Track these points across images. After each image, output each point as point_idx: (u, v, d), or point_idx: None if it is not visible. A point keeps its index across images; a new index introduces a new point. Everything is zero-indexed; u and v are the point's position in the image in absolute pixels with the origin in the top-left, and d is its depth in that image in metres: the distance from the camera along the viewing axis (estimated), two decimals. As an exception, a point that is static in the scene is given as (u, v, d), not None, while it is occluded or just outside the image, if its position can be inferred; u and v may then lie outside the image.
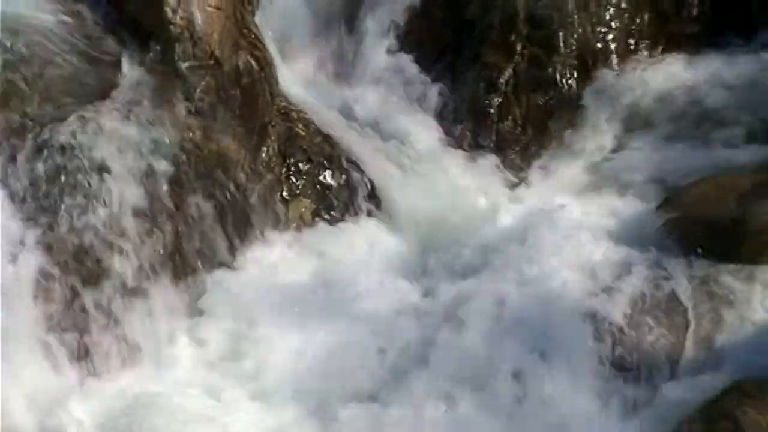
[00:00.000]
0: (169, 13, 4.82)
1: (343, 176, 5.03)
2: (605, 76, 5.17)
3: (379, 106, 5.29)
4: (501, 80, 5.19)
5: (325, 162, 5.03)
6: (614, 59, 5.22)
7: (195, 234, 4.70)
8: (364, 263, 4.80)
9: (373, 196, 5.01)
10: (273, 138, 5.00)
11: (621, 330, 4.20)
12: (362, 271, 4.75)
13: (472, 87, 5.24)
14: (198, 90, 4.84)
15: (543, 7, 5.20)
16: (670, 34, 5.29)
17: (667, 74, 5.15)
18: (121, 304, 4.46)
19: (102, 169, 4.53)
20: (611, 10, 5.23)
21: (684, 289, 4.29)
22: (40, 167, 4.48)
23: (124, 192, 4.54)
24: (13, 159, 4.49)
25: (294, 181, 4.99)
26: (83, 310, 4.41)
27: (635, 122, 5.09)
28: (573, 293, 4.35)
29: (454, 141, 5.19)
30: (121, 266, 4.48)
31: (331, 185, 5.01)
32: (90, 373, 4.39)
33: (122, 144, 4.59)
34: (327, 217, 4.98)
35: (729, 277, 4.26)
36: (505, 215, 4.89)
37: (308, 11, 5.46)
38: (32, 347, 4.29)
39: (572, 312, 4.28)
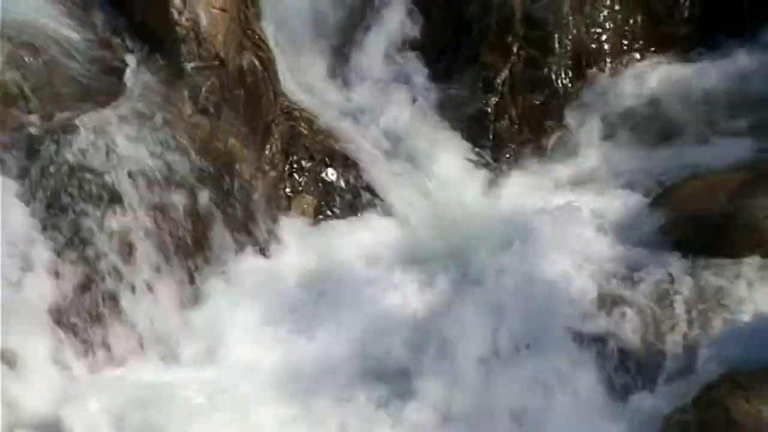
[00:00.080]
0: (175, 15, 4.84)
1: (345, 173, 5.04)
2: (599, 76, 5.20)
3: (379, 106, 5.30)
4: (498, 80, 5.21)
5: (327, 160, 5.05)
6: (608, 60, 5.24)
7: (200, 229, 4.71)
8: (365, 258, 4.80)
9: (374, 192, 5.03)
10: (276, 136, 5.02)
11: (614, 320, 4.22)
12: (363, 265, 4.76)
13: (470, 87, 5.26)
14: (203, 90, 4.85)
15: (539, 9, 5.22)
16: (662, 35, 5.31)
17: (659, 74, 5.17)
18: (130, 297, 4.47)
19: (111, 166, 4.54)
20: (605, 12, 5.25)
21: (676, 283, 4.30)
22: (51, 165, 4.50)
23: (133, 188, 4.56)
24: (24, 158, 4.52)
25: (297, 178, 5.02)
26: (93, 303, 4.42)
27: (629, 121, 5.11)
28: (567, 287, 4.36)
29: (453, 139, 5.19)
30: (130, 260, 4.50)
31: (333, 182, 5.03)
32: (99, 364, 4.41)
33: (130, 142, 4.61)
34: (329, 213, 5.00)
35: (719, 271, 4.27)
36: (501, 211, 4.88)
37: (311, 13, 5.46)
38: (42, 339, 4.31)
39: (567, 305, 4.30)
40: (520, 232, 4.64)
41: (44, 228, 4.44)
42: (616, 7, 5.25)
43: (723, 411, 3.77)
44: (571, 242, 4.57)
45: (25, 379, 4.22)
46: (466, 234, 4.84)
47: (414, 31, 5.46)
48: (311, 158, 5.04)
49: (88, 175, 4.53)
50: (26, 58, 4.65)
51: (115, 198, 4.53)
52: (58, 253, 4.42)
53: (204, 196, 4.74)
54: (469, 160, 5.16)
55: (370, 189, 5.04)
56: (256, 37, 5.08)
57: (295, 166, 5.02)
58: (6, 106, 4.54)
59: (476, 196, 5.02)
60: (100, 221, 4.49)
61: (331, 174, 5.04)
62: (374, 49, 5.45)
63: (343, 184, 5.04)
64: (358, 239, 4.92)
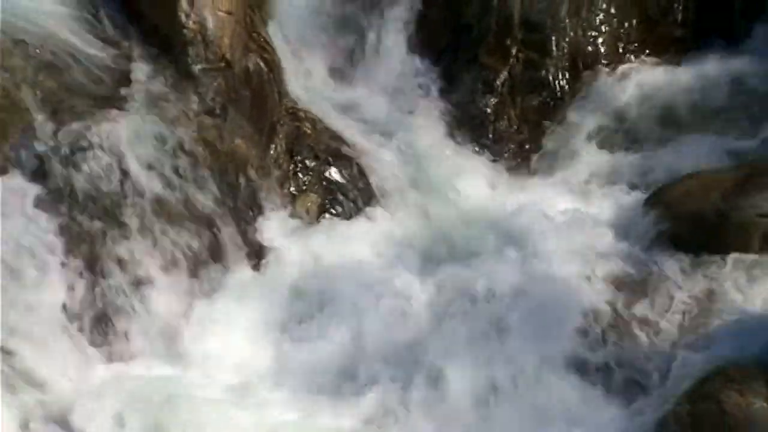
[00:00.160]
0: (183, 18, 4.82)
1: (348, 172, 5.04)
2: (596, 77, 5.22)
3: (382, 106, 5.32)
4: (497, 81, 5.24)
5: (330, 159, 5.05)
6: (604, 62, 5.27)
7: (208, 226, 4.72)
8: (368, 254, 4.82)
9: (377, 191, 5.03)
10: (281, 136, 5.02)
11: (611, 317, 4.25)
12: (366, 261, 4.78)
13: (470, 88, 5.28)
14: (210, 91, 4.86)
15: (537, 13, 5.24)
16: (657, 38, 5.33)
17: (654, 75, 5.20)
18: (140, 293, 4.48)
19: (122, 164, 4.56)
20: (601, 16, 5.27)
21: (671, 280, 4.33)
22: (64, 163, 4.51)
23: (143, 187, 4.58)
24: (36, 163, 4.51)
25: (301, 177, 5.02)
26: (105, 299, 4.43)
27: (624, 122, 5.14)
28: (565, 283, 4.40)
29: (454, 139, 5.21)
30: (139, 257, 4.51)
31: (337, 181, 5.03)
32: (111, 359, 4.41)
33: (139, 143, 4.62)
34: (333, 211, 5.00)
35: (713, 268, 4.30)
36: (501, 209, 4.89)
37: (315, 17, 5.47)
38: (56, 333, 4.32)
39: (565, 300, 4.33)
40: (519, 228, 4.70)
41: (57, 230, 4.44)
42: (612, 11, 5.28)
43: (716, 404, 3.81)
44: (567, 241, 4.60)
45: (38, 375, 4.22)
46: (465, 230, 4.85)
47: (415, 34, 5.48)
48: (315, 158, 5.04)
49: (97, 177, 4.54)
50: (36, 62, 4.65)
51: (123, 198, 4.55)
52: (71, 254, 4.42)
53: (211, 194, 4.75)
54: (470, 159, 5.17)
55: (372, 188, 5.05)
56: (262, 39, 5.08)
57: (299, 165, 5.03)
58: (17, 110, 4.55)
59: (476, 196, 5.03)
60: (110, 221, 4.51)
61: (334, 173, 5.04)
62: (376, 51, 5.48)
63: (346, 183, 5.04)
64: (360, 238, 4.92)
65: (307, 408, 4.24)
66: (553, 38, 5.23)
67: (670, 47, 5.31)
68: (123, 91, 4.78)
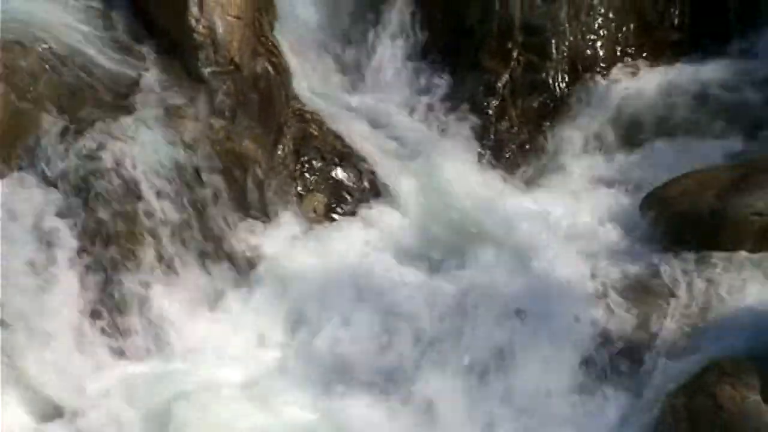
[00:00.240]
0: (193, 23, 4.84)
1: (354, 173, 5.05)
2: (594, 80, 5.21)
3: (385, 108, 5.31)
4: (499, 84, 5.23)
5: (336, 159, 5.05)
6: (603, 65, 5.26)
7: (217, 226, 4.74)
8: (374, 253, 4.82)
9: (382, 191, 5.04)
10: (288, 138, 5.03)
11: (610, 313, 4.27)
12: (372, 260, 4.78)
13: (472, 90, 5.28)
14: (219, 93, 4.86)
15: (537, 17, 5.23)
16: (654, 42, 5.33)
17: (651, 78, 5.20)
18: (149, 290, 4.51)
19: (133, 164, 4.59)
20: (600, 20, 5.27)
21: (667, 276, 4.34)
22: (76, 159, 4.54)
23: (154, 186, 4.61)
24: (52, 153, 4.55)
25: (308, 177, 5.03)
26: (114, 295, 4.46)
27: (622, 123, 5.13)
28: (565, 280, 4.41)
29: (456, 139, 5.21)
30: (150, 254, 4.55)
31: (343, 181, 5.04)
32: (120, 354, 4.44)
33: (150, 144, 4.65)
34: (339, 210, 5.00)
35: (709, 265, 4.31)
36: (502, 208, 4.89)
37: (321, 21, 5.48)
38: (66, 331, 4.35)
39: (564, 297, 4.35)
40: (521, 226, 4.71)
41: (69, 225, 4.47)
42: (611, 15, 5.28)
43: (711, 397, 3.83)
44: (566, 240, 4.63)
45: (47, 373, 4.27)
46: (468, 229, 4.85)
47: (418, 37, 5.47)
48: (322, 158, 5.05)
49: (109, 176, 4.57)
50: (49, 64, 4.67)
51: (135, 198, 4.58)
52: (83, 250, 4.46)
53: (220, 194, 4.77)
54: (472, 158, 5.17)
55: (377, 188, 5.05)
56: (270, 43, 5.09)
57: (306, 165, 5.04)
58: (32, 113, 4.58)
59: (478, 195, 5.01)
60: (121, 220, 4.54)
61: (340, 173, 5.05)
62: (381, 55, 5.47)
63: (352, 183, 5.05)
64: (366, 234, 4.93)
65: (316, 404, 4.26)
66: (553, 42, 5.23)
67: (667, 51, 5.32)
68: (134, 93, 4.80)
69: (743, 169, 4.59)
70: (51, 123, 4.57)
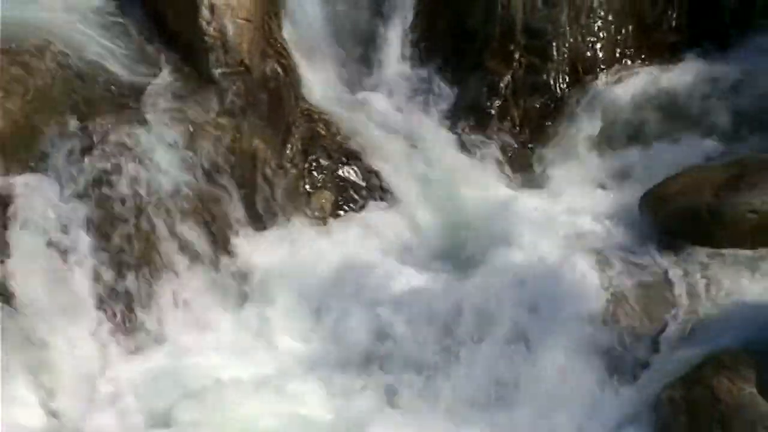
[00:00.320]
0: (204, 25, 4.88)
1: (360, 171, 5.07)
2: (594, 81, 5.21)
3: (392, 108, 5.33)
4: (501, 85, 5.24)
5: (344, 158, 5.08)
6: (602, 66, 5.26)
7: (227, 222, 4.78)
8: (380, 250, 4.85)
9: (387, 189, 5.06)
10: (297, 137, 5.05)
11: (610, 307, 4.28)
12: (378, 256, 4.81)
13: (475, 91, 5.29)
14: (230, 94, 4.90)
15: (539, 20, 5.24)
16: (652, 44, 5.33)
17: (649, 79, 5.19)
18: (167, 285, 4.57)
19: (148, 162, 4.63)
20: (599, 23, 5.27)
21: (666, 272, 4.35)
22: (92, 162, 4.58)
23: (167, 184, 4.65)
24: (68, 153, 4.58)
25: (315, 175, 5.05)
26: (133, 291, 4.51)
27: (621, 123, 5.14)
28: (566, 275, 4.41)
29: (459, 139, 5.23)
30: (161, 252, 4.59)
31: (350, 179, 5.06)
32: (130, 351, 4.48)
33: (164, 142, 4.69)
34: (346, 207, 5.03)
35: (706, 260, 4.33)
36: (505, 207, 4.89)
37: (328, 24, 5.47)
38: (86, 323, 4.40)
39: (565, 292, 4.36)
40: (524, 223, 4.72)
41: (86, 221, 4.51)
42: (610, 18, 5.28)
43: (708, 389, 3.84)
44: (568, 233, 4.65)
45: (69, 364, 4.31)
46: (472, 226, 4.87)
47: (422, 40, 5.49)
48: (329, 157, 5.08)
49: (123, 173, 4.60)
50: (64, 67, 4.71)
51: (149, 193, 4.61)
52: (96, 250, 4.50)
53: (231, 191, 4.81)
54: (475, 157, 5.18)
55: (383, 185, 5.07)
56: (279, 45, 5.13)
57: (314, 164, 5.06)
58: (50, 111, 4.61)
59: (480, 193, 5.03)
60: (133, 218, 4.57)
61: (347, 171, 5.07)
62: (387, 57, 5.48)
63: (358, 181, 5.07)
64: (372, 231, 4.96)
65: (326, 401, 4.29)
66: (554, 44, 5.24)
67: (665, 52, 5.32)
68: (147, 93, 4.84)
69: (739, 167, 4.58)
70: (65, 125, 4.61)
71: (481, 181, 5.10)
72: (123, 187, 4.59)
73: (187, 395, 4.22)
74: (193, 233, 4.66)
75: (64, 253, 4.44)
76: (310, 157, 5.07)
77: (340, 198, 5.05)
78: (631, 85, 5.19)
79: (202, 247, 4.67)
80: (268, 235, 4.87)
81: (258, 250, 4.81)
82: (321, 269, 4.77)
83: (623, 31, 5.32)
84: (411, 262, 4.78)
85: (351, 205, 5.05)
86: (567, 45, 5.25)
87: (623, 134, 5.14)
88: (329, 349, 4.49)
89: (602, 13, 5.28)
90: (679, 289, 4.28)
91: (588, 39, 5.28)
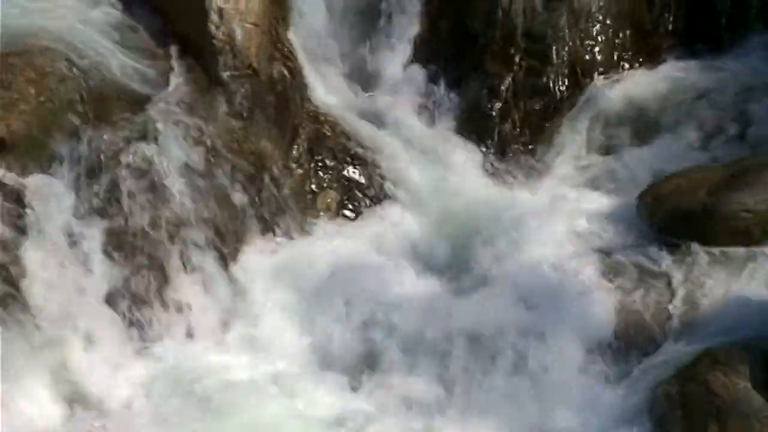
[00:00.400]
0: (213, 29, 4.88)
1: (365, 172, 5.09)
2: (593, 84, 5.24)
3: (395, 111, 5.33)
4: (502, 87, 5.25)
5: (349, 159, 5.09)
6: (601, 69, 5.28)
7: (235, 221, 4.78)
8: (384, 249, 4.86)
9: (391, 189, 5.08)
10: (303, 138, 5.07)
11: (609, 305, 4.31)
12: (382, 255, 4.82)
13: (476, 93, 5.30)
14: (238, 96, 4.91)
15: (539, 24, 5.25)
16: (650, 48, 5.35)
17: (647, 82, 5.22)
18: (181, 284, 4.58)
19: (157, 162, 4.64)
20: (598, 27, 5.28)
21: (662, 269, 4.38)
22: (104, 162, 4.58)
23: (176, 185, 4.65)
24: (78, 155, 4.58)
25: (321, 175, 5.07)
26: (147, 291, 4.53)
27: (619, 125, 5.16)
28: (565, 273, 4.45)
29: (461, 140, 5.25)
30: (173, 251, 4.60)
31: (355, 179, 5.08)
32: (149, 343, 4.49)
33: (175, 143, 4.70)
34: (351, 207, 5.05)
35: (701, 259, 4.34)
36: (506, 207, 4.91)
37: (334, 28, 5.49)
38: (101, 322, 4.40)
39: (564, 290, 4.39)
40: (524, 223, 4.74)
41: (96, 224, 4.52)
42: (608, 22, 5.30)
43: (703, 384, 3.87)
44: (567, 233, 4.67)
45: (84, 363, 4.33)
46: (474, 226, 4.87)
47: (425, 43, 5.50)
48: (334, 158, 5.09)
49: (136, 172, 4.61)
50: (76, 70, 4.70)
51: (161, 193, 4.62)
52: (110, 248, 4.51)
53: (239, 191, 4.82)
54: (476, 158, 5.21)
55: (387, 186, 5.09)
56: (285, 49, 5.14)
57: (319, 164, 5.08)
58: (63, 113, 4.61)
59: (484, 194, 5.05)
60: (146, 218, 4.58)
61: (352, 172, 5.09)
62: (389, 59, 5.49)
63: (363, 181, 5.09)
64: (377, 231, 4.97)
65: (336, 400, 4.30)
66: (554, 48, 5.26)
67: (662, 56, 5.35)
68: (158, 95, 4.84)
69: (734, 168, 4.60)
70: (77, 126, 4.60)
71: (482, 182, 5.12)
72: (132, 188, 4.60)
73: (194, 396, 4.24)
74: (202, 232, 4.68)
75: (77, 251, 4.46)
76: (315, 158, 5.08)
77: (345, 198, 5.06)
78: (628, 87, 5.22)
79: (212, 246, 4.69)
80: (275, 233, 4.89)
81: (264, 249, 4.83)
82: (324, 268, 4.76)
83: (621, 35, 5.34)
84: (415, 260, 4.78)
85: (356, 205, 5.06)
86: (566, 48, 5.26)
87: (621, 136, 5.15)
88: (329, 349, 4.51)
89: (601, 18, 5.30)
90: (676, 287, 4.31)
91: (587, 43, 5.29)
